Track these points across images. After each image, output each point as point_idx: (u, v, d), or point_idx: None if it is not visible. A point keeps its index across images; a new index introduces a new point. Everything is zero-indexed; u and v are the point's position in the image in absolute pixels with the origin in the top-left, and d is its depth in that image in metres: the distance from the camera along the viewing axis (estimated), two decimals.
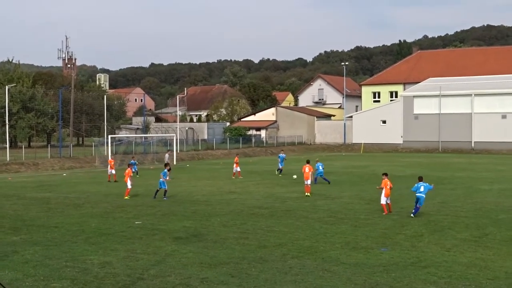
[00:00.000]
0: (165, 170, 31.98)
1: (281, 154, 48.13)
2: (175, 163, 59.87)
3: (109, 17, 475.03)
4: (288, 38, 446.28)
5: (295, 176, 37.52)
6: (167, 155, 50.82)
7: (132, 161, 44.31)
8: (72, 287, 14.17)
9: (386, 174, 26.39)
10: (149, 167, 57.31)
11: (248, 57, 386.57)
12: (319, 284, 14.27)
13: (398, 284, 14.26)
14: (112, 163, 42.93)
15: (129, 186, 32.16)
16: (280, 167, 46.48)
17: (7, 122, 63.95)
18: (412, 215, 24.51)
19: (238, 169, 44.09)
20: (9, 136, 65.15)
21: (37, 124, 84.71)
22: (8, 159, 57.18)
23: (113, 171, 42.06)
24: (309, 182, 32.88)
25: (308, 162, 34.96)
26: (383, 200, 25.68)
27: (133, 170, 41.13)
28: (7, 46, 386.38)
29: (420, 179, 25.22)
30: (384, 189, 25.60)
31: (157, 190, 31.38)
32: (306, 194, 32.28)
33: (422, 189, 24.72)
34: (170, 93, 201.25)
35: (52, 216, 25.62)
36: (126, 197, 31.57)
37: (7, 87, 66.53)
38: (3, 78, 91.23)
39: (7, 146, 60.90)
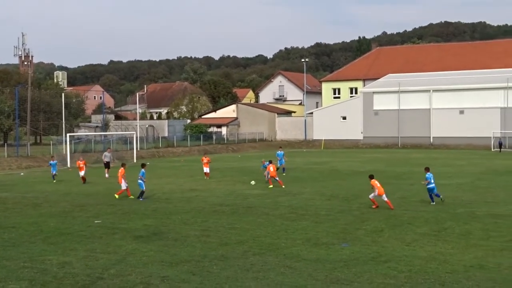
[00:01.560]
0: (143, 170, 30.50)
1: (279, 152, 46.23)
2: (135, 161, 59.34)
3: (66, 14, 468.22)
4: (248, 35, 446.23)
5: (253, 182, 37.06)
6: (106, 153, 47.55)
7: (51, 161, 41.69)
8: (30, 287, 13.94)
9: (372, 176, 27.09)
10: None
11: (209, 54, 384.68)
12: (280, 280, 14.28)
13: (358, 279, 14.36)
14: (81, 164, 40.10)
15: (123, 187, 30.80)
16: (280, 165, 43.87)
17: None
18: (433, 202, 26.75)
19: (208, 169, 41.26)
20: None
21: None
22: None
23: (82, 173, 39.68)
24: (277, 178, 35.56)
25: (271, 162, 36.75)
26: (371, 195, 26.44)
27: (53, 171, 40.52)
28: None
29: (427, 169, 27.47)
30: (376, 189, 26.16)
31: (142, 192, 30.16)
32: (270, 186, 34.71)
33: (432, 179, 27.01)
34: (130, 91, 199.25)
35: (9, 216, 25.16)
36: (116, 196, 30.73)
37: None
38: None
39: None
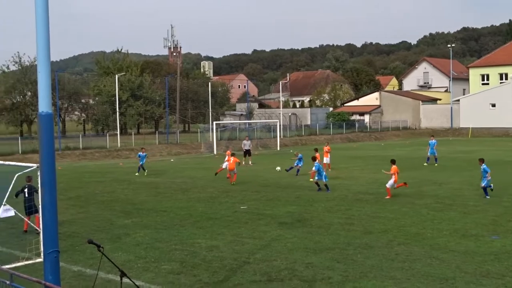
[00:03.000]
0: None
1: (431, 140, 42.19)
2: (278, 148, 60.21)
3: (212, 6, 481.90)
4: (392, 21, 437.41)
5: (278, 168, 36.63)
6: (245, 141, 48.01)
7: (141, 153, 38.93)
8: (181, 269, 14.59)
9: (394, 161, 26.96)
10: (254, 153, 57.92)
11: (351, 41, 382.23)
12: (427, 271, 13.99)
13: (511, 273, 13.76)
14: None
15: (223, 166, 33.59)
16: (431, 154, 41.25)
17: (117, 109, 66.41)
18: None
19: (328, 159, 38.42)
20: (119, 123, 67.68)
21: (145, 111, 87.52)
22: (119, 145, 59.43)
23: (224, 165, 35.15)
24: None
25: (316, 150, 35.43)
26: (389, 184, 26.20)
27: (140, 163, 38.13)
28: (117, 36, 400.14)
29: (482, 161, 26.31)
30: (394, 176, 26.02)
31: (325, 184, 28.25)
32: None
33: None
34: (273, 79, 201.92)
35: (161, 200, 26.43)
36: (216, 173, 33.53)
37: (117, 76, 69.08)
38: (113, 67, 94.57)
39: (118, 132, 63.28)
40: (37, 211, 17.66)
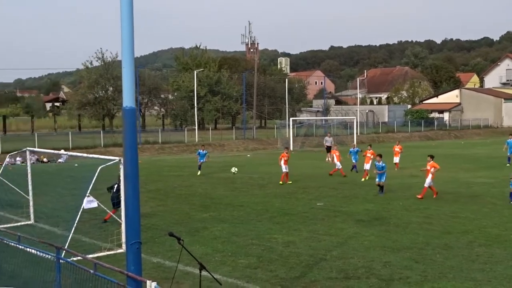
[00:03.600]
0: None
1: (510, 140, 40.17)
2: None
3: (290, 2, 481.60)
4: (473, 16, 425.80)
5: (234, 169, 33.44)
6: (326, 137, 47.89)
7: (201, 151, 36.10)
8: (258, 264, 14.69)
9: (432, 157, 25.91)
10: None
11: (430, 37, 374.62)
12: (509, 274, 13.59)
13: None
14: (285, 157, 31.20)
15: (284, 170, 30.58)
16: (511, 154, 39.58)
17: (195, 105, 67.35)
18: None
19: (398, 159, 37.39)
20: (197, 118, 68.64)
21: (223, 107, 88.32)
22: (196, 140, 60.31)
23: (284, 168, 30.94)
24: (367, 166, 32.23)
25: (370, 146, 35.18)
26: (427, 183, 25.27)
27: (200, 160, 35.27)
28: (195, 33, 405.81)
29: None
30: (431, 173, 25.18)
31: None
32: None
33: None
34: (350, 76, 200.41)
35: (238, 195, 26.67)
36: (280, 182, 30.37)
37: (195, 72, 70.05)
38: (191, 63, 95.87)
39: (196, 128, 64.21)
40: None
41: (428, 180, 25.36)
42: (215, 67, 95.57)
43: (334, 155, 35.08)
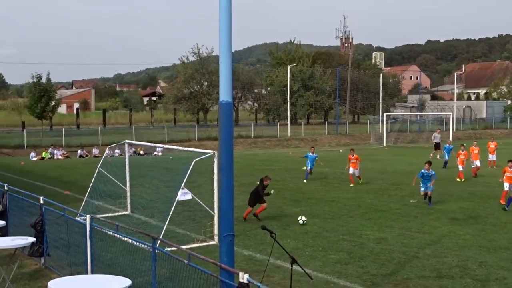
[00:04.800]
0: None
1: None
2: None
3: None
4: None
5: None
6: (435, 134, 46.75)
7: (310, 154, 31.09)
8: (349, 259, 14.63)
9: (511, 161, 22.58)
10: (424, 145, 56.50)
11: None
12: None
13: None
14: (352, 160, 29.12)
15: (460, 169, 30.09)
16: None
17: (288, 99, 67.55)
18: None
19: (478, 163, 32.84)
20: (290, 113, 68.83)
21: (316, 101, 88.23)
22: (289, 135, 60.52)
23: (352, 171, 28.97)
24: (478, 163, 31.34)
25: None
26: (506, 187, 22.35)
27: (308, 167, 30.44)
28: (289, 28, 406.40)
29: None
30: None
31: None
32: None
33: None
34: (447, 70, 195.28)
35: (329, 190, 26.62)
36: (458, 179, 29.53)
37: (289, 67, 70.27)
38: (285, 58, 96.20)
39: (288, 122, 64.41)
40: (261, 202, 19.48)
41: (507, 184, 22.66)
42: (309, 62, 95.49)
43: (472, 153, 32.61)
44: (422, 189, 22.72)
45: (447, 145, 36.50)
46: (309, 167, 30.41)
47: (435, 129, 54.25)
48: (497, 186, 26.90)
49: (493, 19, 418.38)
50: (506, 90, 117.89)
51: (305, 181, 29.84)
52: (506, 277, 13.10)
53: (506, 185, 22.41)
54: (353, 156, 29.04)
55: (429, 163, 23.18)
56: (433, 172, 22.82)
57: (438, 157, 40.70)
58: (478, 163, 32.39)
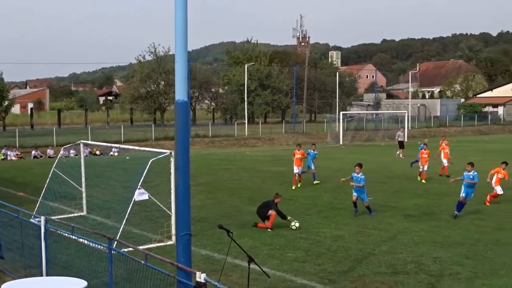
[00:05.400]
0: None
1: None
2: (405, 140, 58.99)
3: None
4: None
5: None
6: (399, 132, 48.25)
7: (311, 151, 29.81)
8: (306, 257, 14.73)
9: (506, 163, 22.78)
10: (380, 143, 57.19)
11: (486, 30, 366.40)
12: None
13: None
14: (297, 155, 28.24)
15: (425, 169, 29.46)
16: None
17: (245, 99, 67.59)
18: None
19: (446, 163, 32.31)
20: (247, 112, 68.86)
21: (273, 100, 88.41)
22: (246, 134, 60.56)
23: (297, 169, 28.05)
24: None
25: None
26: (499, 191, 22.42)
27: (308, 166, 29.32)
28: (247, 27, 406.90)
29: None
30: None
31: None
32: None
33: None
34: (402, 69, 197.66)
35: (287, 189, 26.70)
36: (419, 179, 29.51)
37: (246, 66, 70.28)
38: (242, 57, 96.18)
39: (246, 121, 64.44)
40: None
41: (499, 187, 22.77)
42: (266, 61, 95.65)
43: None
44: (354, 194, 20.47)
45: (423, 144, 35.66)
46: (312, 167, 29.14)
47: (391, 127, 55.11)
48: (452, 184, 27.39)
49: (447, 19, 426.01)
50: (459, 89, 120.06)
51: (315, 182, 28.56)
52: (460, 272, 13.35)
53: (499, 189, 22.43)
54: (299, 151, 27.81)
55: (360, 165, 20.68)
56: (363, 176, 20.43)
57: (401, 156, 41.32)
58: (445, 162, 32.00)
